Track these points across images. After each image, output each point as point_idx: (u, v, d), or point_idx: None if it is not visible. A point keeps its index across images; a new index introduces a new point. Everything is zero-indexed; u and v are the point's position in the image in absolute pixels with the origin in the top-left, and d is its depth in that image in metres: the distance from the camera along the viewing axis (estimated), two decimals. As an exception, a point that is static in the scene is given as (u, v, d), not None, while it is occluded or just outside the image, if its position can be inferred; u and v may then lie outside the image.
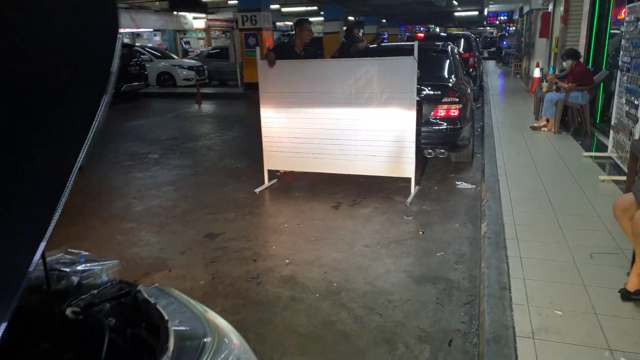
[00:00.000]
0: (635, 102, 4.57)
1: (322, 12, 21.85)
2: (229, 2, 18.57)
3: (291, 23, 30.59)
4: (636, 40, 4.62)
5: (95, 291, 1.40)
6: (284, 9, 21.23)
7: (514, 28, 24.55)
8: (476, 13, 28.03)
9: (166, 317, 1.11)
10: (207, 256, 3.77)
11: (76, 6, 0.89)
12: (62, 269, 1.44)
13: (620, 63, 5.17)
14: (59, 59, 0.86)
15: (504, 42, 23.70)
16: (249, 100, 13.35)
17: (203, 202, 5.02)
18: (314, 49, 17.61)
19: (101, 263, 1.47)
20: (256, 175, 5.58)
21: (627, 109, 4.82)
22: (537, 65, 11.70)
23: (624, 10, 6.58)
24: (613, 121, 5.32)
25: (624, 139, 4.93)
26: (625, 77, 4.97)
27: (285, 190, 5.40)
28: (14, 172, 0.81)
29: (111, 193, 5.55)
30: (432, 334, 2.68)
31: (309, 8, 22.09)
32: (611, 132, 5.44)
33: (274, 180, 5.57)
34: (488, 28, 39.87)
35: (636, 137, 4.48)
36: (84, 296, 1.33)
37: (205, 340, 1.08)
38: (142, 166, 6.57)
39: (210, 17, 25.83)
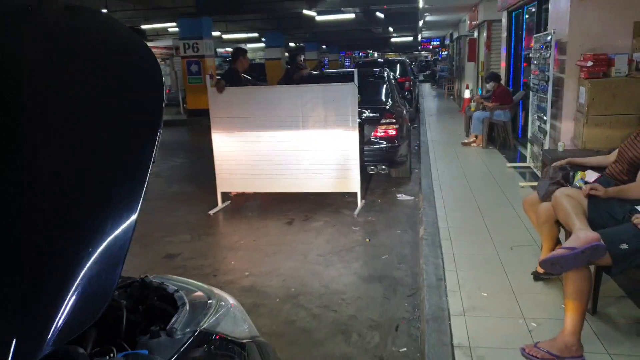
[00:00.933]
0: (544, 118, 5.28)
1: (263, 39, 22.45)
2: (169, 29, 18.78)
3: (232, 49, 31.02)
4: (541, 65, 5.36)
5: None
6: (225, 36, 21.62)
7: (446, 52, 26.16)
8: (411, 39, 29.67)
9: (176, 288, 1.42)
10: (169, 274, 3.99)
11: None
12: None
13: (531, 85, 5.93)
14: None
15: (440, 66, 25.24)
16: (193, 126, 13.52)
17: (158, 226, 5.11)
18: (256, 75, 18.09)
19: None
20: (207, 199, 5.78)
21: (539, 124, 5.53)
22: (467, 87, 12.69)
23: (528, 38, 7.51)
24: (529, 135, 6.05)
25: (538, 150, 5.63)
26: (535, 97, 5.71)
27: (238, 211, 5.69)
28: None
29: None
30: (381, 323, 3.08)
31: (250, 35, 22.60)
32: (529, 144, 6.17)
33: (227, 202, 5.83)
34: (423, 52, 41.98)
35: (546, 148, 5.17)
36: None
37: (209, 301, 1.41)
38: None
39: (150, 44, 25.80)
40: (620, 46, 4.93)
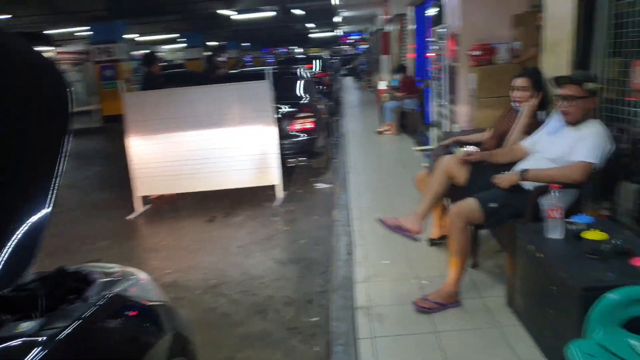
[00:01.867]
0: (443, 103, 5.79)
1: (182, 40, 22.09)
2: (76, 34, 17.97)
3: (149, 51, 30.14)
4: (439, 56, 5.87)
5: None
6: (139, 39, 21.04)
7: (365, 46, 26.97)
8: (331, 34, 30.28)
9: (90, 270, 1.59)
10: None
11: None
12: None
13: (431, 74, 6.45)
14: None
15: (360, 60, 26.02)
16: (109, 133, 13.02)
17: (75, 237, 4.98)
18: (169, 86, 17.74)
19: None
20: (126, 205, 5.66)
21: (439, 110, 6.05)
22: (381, 79, 13.28)
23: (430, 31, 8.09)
24: (429, 120, 6.57)
25: (440, 133, 6.15)
26: (436, 85, 6.22)
27: (159, 213, 5.71)
28: None
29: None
30: (296, 299, 3.34)
31: (168, 36, 22.16)
32: (432, 128, 6.70)
33: (147, 206, 5.82)
34: (344, 47, 42.84)
35: (446, 130, 5.67)
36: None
37: (122, 274, 1.61)
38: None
39: (60, 49, 24.51)
40: (502, 36, 5.49)
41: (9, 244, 1.14)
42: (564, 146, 2.73)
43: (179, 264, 4.14)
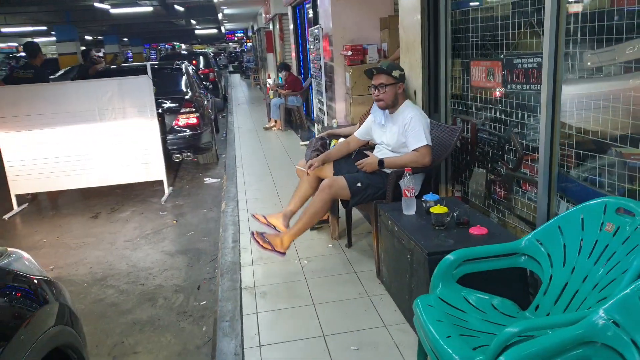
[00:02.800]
0: (322, 100, 6.22)
1: (53, 32, 20.39)
2: None
3: (16, 44, 27.36)
4: (316, 55, 6.27)
5: None
6: (4, 30, 19.10)
7: (250, 44, 27.09)
8: (215, 31, 29.87)
9: None
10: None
11: None
12: None
13: (311, 72, 6.85)
14: None
15: (246, 57, 26.11)
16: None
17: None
18: (50, 71, 16.46)
19: None
20: (2, 204, 5.46)
21: (319, 106, 6.47)
22: (269, 77, 13.59)
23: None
24: (314, 116, 7.00)
25: (320, 128, 6.58)
26: (315, 83, 6.64)
27: (39, 212, 5.47)
28: None
29: None
30: (185, 286, 3.49)
31: (36, 28, 20.32)
32: (315, 124, 7.13)
33: (25, 205, 5.55)
34: (231, 44, 42.46)
35: (325, 125, 6.11)
36: None
37: (2, 253, 1.69)
38: None
39: None
40: (371, 38, 6.04)
41: None
42: (396, 135, 3.21)
43: (63, 260, 4.05)
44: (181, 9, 17.38)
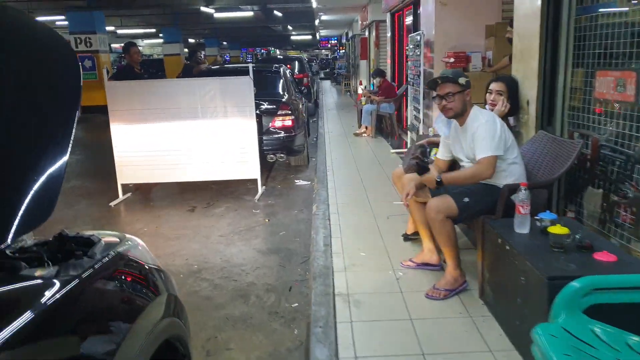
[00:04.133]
0: (418, 108, 6.04)
1: (160, 35, 21.94)
2: (57, 23, 17.72)
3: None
4: (415, 62, 6.11)
5: (21, 243, 1.90)
6: (120, 31, 20.81)
7: (343, 51, 27.30)
8: (310, 37, 30.52)
9: (92, 234, 1.72)
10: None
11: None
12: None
13: (407, 79, 6.69)
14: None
15: (338, 64, 26.40)
16: (88, 123, 12.97)
17: (57, 220, 5.12)
18: (154, 71, 17.70)
19: None
20: (108, 192, 5.80)
21: (415, 114, 6.29)
22: (360, 84, 13.56)
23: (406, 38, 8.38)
24: (408, 124, 6.82)
25: (415, 136, 6.39)
26: (411, 90, 6.47)
27: (140, 201, 5.80)
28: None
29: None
30: (277, 286, 3.49)
31: (147, 30, 21.96)
32: (408, 132, 6.95)
33: (129, 194, 5.91)
34: (324, 51, 43.15)
35: (420, 134, 5.91)
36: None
37: (120, 239, 1.74)
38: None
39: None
40: (475, 45, 5.78)
41: (32, 188, 1.28)
42: (465, 148, 2.99)
43: (162, 250, 4.23)
44: (280, 14, 17.91)
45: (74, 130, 1.44)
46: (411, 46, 6.39)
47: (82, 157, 8.72)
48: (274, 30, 26.79)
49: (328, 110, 13.57)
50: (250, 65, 5.57)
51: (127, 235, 1.92)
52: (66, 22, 14.29)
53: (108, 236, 1.86)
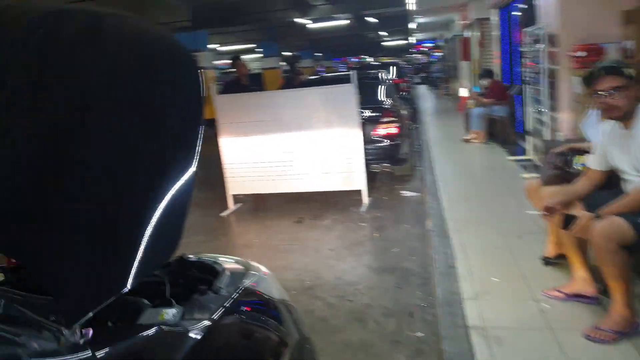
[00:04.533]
0: (542, 110, 5.42)
1: (259, 49, 22.69)
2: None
3: (231, 61, 31.17)
4: (534, 59, 5.50)
5: None
6: (220, 48, 21.84)
7: (439, 54, 26.40)
8: (404, 42, 29.93)
9: (214, 260, 1.55)
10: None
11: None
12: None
13: (524, 78, 6.07)
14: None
15: (435, 67, 25.56)
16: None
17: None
18: (254, 86, 18.24)
19: None
20: (218, 202, 5.90)
21: (537, 117, 5.67)
22: (463, 86, 12.86)
23: (520, 33, 7.67)
24: (528, 128, 6.18)
25: (538, 142, 5.76)
26: (531, 90, 5.85)
27: (250, 212, 5.81)
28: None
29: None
30: (395, 310, 3.18)
31: (246, 46, 22.83)
32: (528, 137, 6.30)
33: (239, 204, 5.95)
34: (418, 55, 42.24)
35: (546, 139, 5.30)
36: None
37: (246, 268, 1.55)
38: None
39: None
40: (609, 35, 5.05)
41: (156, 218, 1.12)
42: (633, 157, 2.43)
43: (273, 263, 4.11)
44: (374, 20, 17.68)
45: (198, 149, 1.27)
46: (528, 42, 5.78)
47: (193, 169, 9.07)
48: (366, 37, 26.61)
49: (427, 115, 13.02)
50: (353, 72, 5.35)
51: (252, 263, 1.73)
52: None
53: (230, 263, 1.68)
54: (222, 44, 20.81)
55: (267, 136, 5.53)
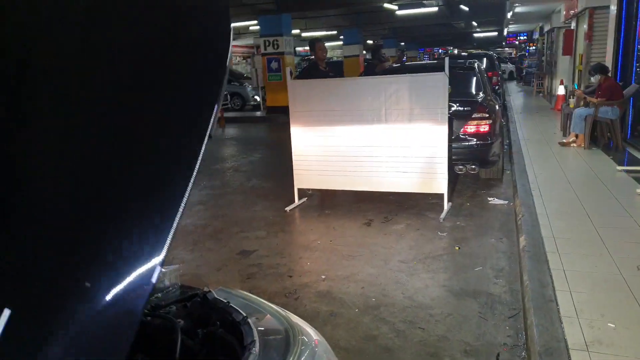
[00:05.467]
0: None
1: (341, 36, 22.21)
2: (250, 28, 19.06)
3: (307, 48, 31.03)
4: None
5: (160, 294, 1.41)
6: (304, 34, 21.62)
7: (534, 48, 24.50)
8: (495, 34, 28.12)
9: (244, 314, 1.11)
10: (242, 273, 3.79)
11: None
12: None
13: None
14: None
15: (528, 62, 23.78)
16: (271, 123, 13.58)
17: (234, 221, 5.06)
18: (333, 74, 17.85)
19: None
20: (284, 195, 5.62)
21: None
22: (562, 83, 11.62)
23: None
24: (629, 134, 5.23)
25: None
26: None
27: (315, 209, 5.42)
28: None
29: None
30: (478, 348, 2.63)
31: (329, 32, 22.43)
32: (646, 145, 5.35)
33: (304, 199, 5.59)
34: (507, 49, 39.81)
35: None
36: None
37: (289, 336, 1.09)
38: (172, 187, 6.65)
39: (232, 42, 26.53)
40: None
41: None
42: None
43: (335, 270, 3.69)
44: (466, 8, 16.57)
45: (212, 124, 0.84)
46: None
47: (263, 157, 8.88)
48: (456, 27, 25.23)
49: (517, 113, 11.91)
50: (447, 59, 4.72)
51: (294, 321, 1.24)
52: (258, 27, 15.13)
53: (271, 322, 1.21)
54: (304, 29, 20.55)
55: (341, 127, 5.07)
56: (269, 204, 5.58)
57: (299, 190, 5.44)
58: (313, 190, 5.74)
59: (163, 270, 1.50)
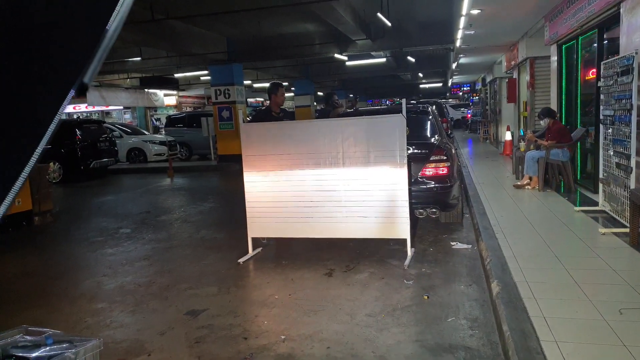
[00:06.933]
0: (626, 153, 4.53)
1: (293, 87, 22.47)
2: (201, 78, 18.92)
3: (262, 99, 31.24)
4: (619, 94, 4.67)
5: None
6: (255, 85, 21.71)
7: (477, 97, 25.68)
8: (440, 85, 29.40)
9: None
10: (190, 336, 3.32)
11: None
12: (20, 354, 1.07)
13: (602, 117, 5.21)
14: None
15: (469, 111, 24.85)
16: (223, 172, 13.20)
17: (182, 277, 4.59)
18: (287, 120, 17.87)
19: (75, 343, 1.11)
20: (237, 245, 5.24)
21: (617, 161, 4.77)
22: (508, 129, 12.00)
23: (591, 71, 6.85)
24: (602, 175, 5.27)
25: (616, 191, 4.84)
26: (610, 130, 4.98)
27: (271, 259, 5.03)
28: None
29: (79, 271, 5.06)
30: (464, 414, 2.30)
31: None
32: (600, 185, 5.38)
33: (259, 249, 5.21)
34: (451, 100, 41.71)
35: (632, 187, 4.39)
36: None
37: None
38: (113, 241, 6.09)
39: (182, 93, 26.28)
40: None
41: None
42: None
43: (296, 329, 3.30)
44: (412, 59, 17.17)
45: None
46: (608, 74, 4.96)
47: (214, 206, 8.42)
48: (403, 79, 26.18)
49: (467, 158, 12.14)
50: (403, 101, 4.62)
51: None
52: (209, 77, 15.01)
53: None
54: (255, 80, 20.64)
55: (297, 171, 4.81)
56: (220, 256, 5.15)
57: (253, 239, 5.06)
58: (268, 239, 5.38)
59: (73, 350, 1.12)
